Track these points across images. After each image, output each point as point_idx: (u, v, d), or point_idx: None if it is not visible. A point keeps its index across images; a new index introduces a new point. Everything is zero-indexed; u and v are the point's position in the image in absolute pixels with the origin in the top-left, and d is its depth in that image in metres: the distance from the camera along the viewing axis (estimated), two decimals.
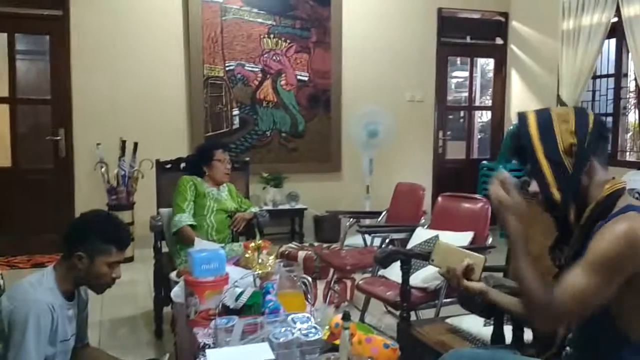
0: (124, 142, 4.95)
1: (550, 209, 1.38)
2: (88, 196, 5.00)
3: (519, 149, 1.41)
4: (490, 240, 2.83)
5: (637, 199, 1.56)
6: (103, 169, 4.92)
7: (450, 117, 6.93)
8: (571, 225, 1.36)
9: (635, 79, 4.84)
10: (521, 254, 1.34)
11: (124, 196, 4.89)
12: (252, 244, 2.07)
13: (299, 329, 1.64)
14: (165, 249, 3.29)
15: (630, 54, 4.83)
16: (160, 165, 3.57)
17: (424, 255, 2.73)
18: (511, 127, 5.83)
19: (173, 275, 2.55)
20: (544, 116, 1.39)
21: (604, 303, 1.23)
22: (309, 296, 2.09)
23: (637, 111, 5.17)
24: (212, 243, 2.57)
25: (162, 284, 3.09)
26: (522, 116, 1.42)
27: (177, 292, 2.20)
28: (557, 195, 1.34)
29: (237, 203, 3.35)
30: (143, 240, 4.40)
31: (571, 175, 1.33)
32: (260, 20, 5.53)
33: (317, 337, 1.62)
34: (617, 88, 5.21)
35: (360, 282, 3.02)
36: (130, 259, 4.81)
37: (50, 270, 1.80)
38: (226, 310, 1.89)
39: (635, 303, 1.24)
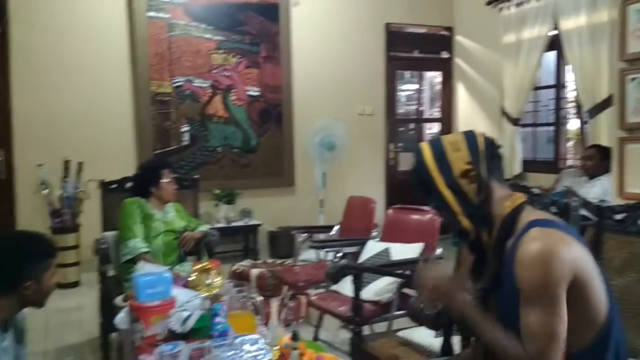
0: (67, 162, 4.78)
1: (463, 237, 1.38)
2: (30, 219, 4.79)
3: (421, 181, 1.40)
4: (439, 250, 2.86)
5: (540, 207, 1.57)
6: (46, 191, 4.73)
7: (401, 129, 7.04)
8: (485, 246, 1.37)
9: (575, 89, 5.05)
10: (482, 326, 1.30)
11: (69, 218, 4.71)
12: (199, 266, 2.02)
13: (248, 352, 1.60)
14: (111, 273, 3.18)
15: (568, 66, 5.04)
16: (104, 186, 3.46)
17: (375, 269, 2.75)
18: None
19: (119, 300, 2.47)
20: (437, 147, 1.39)
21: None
22: (259, 316, 2.05)
23: (576, 120, 5.39)
24: (157, 266, 2.49)
25: (108, 310, 2.97)
26: (417, 149, 1.41)
27: (122, 318, 2.12)
28: (466, 222, 1.35)
29: (185, 222, 3.27)
30: (89, 264, 4.25)
31: (475, 201, 1.34)
32: (208, 35, 5.49)
33: (266, 359, 1.59)
34: (558, 98, 5.42)
35: (313, 298, 3.00)
36: (75, 284, 4.63)
37: None
38: (173, 335, 1.84)
39: (570, 315, 1.25)
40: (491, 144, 1.38)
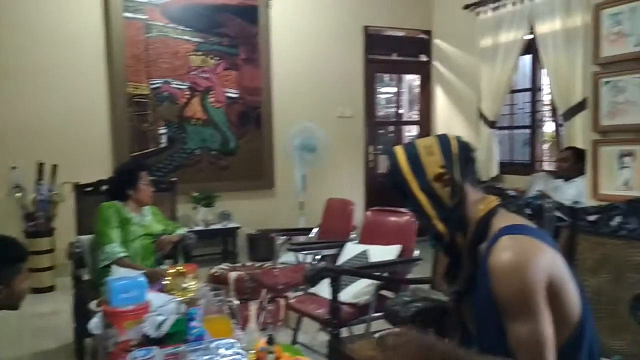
0: (41, 165, 4.69)
1: (437, 240, 1.38)
2: (3, 223, 4.65)
3: (396, 185, 1.40)
4: (417, 252, 2.87)
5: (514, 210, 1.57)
6: (19, 194, 4.64)
7: (381, 131, 7.07)
8: (459, 249, 1.37)
9: (550, 93, 5.13)
10: None
11: (43, 222, 4.62)
12: (173, 270, 1.99)
13: (224, 356, 1.58)
14: (86, 277, 3.12)
15: (543, 69, 5.12)
16: (79, 189, 3.40)
17: (352, 271, 2.75)
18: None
19: (93, 305, 2.42)
20: (411, 150, 1.38)
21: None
22: (235, 320, 2.03)
23: (552, 122, 5.47)
24: (131, 270, 2.46)
25: (82, 315, 2.92)
26: (391, 153, 1.41)
27: (95, 324, 2.08)
28: (440, 226, 1.35)
29: (163, 225, 3.23)
30: (63, 269, 4.16)
31: (449, 205, 1.34)
32: (186, 37, 5.44)
33: None
34: (534, 101, 5.50)
35: (292, 301, 2.99)
36: (50, 289, 4.55)
37: None
38: (148, 340, 1.81)
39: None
40: (464, 147, 1.38)
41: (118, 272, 2.12)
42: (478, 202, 1.35)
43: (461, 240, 1.35)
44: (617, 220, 1.69)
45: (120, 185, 3.15)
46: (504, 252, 1.22)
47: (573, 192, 4.03)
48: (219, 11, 5.56)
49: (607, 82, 3.39)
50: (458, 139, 1.40)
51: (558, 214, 1.85)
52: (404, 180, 1.37)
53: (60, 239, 4.57)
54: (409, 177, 1.36)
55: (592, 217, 1.77)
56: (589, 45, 3.58)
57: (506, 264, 1.20)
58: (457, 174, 1.34)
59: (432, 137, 1.41)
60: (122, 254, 2.92)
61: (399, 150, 1.40)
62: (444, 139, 1.39)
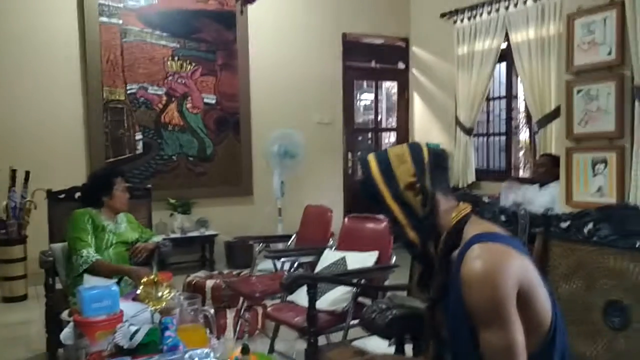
0: (14, 171, 4.59)
1: (409, 248, 1.38)
2: None
3: (369, 194, 1.40)
4: (394, 259, 2.87)
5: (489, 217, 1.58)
6: None
7: (359, 138, 7.09)
8: (432, 257, 1.38)
9: (525, 100, 5.21)
10: None
11: (15, 229, 4.52)
12: (146, 278, 1.95)
13: None
14: (58, 286, 3.06)
15: (519, 77, 5.20)
16: (52, 196, 3.33)
17: (329, 278, 2.74)
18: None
19: (65, 315, 2.36)
20: (383, 159, 1.39)
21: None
22: (210, 329, 2.00)
23: (527, 130, 5.55)
24: (103, 279, 2.41)
25: (54, 325, 2.86)
26: (364, 162, 1.41)
27: (66, 334, 2.03)
28: (412, 234, 1.35)
29: (138, 233, 3.18)
30: (36, 277, 4.06)
31: (420, 214, 1.34)
32: (163, 42, 5.40)
33: None
34: (509, 109, 5.58)
35: (269, 309, 2.96)
36: (23, 298, 4.45)
37: None
38: (120, 351, 1.77)
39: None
40: (436, 155, 1.38)
41: (90, 281, 2.07)
42: (450, 211, 1.35)
43: (432, 248, 1.36)
44: (589, 226, 1.72)
45: (94, 192, 3.09)
46: (475, 261, 1.22)
47: (547, 198, 4.09)
48: (196, 17, 5.53)
49: (580, 91, 3.46)
50: (429, 147, 1.40)
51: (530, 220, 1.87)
52: (376, 189, 1.37)
53: (32, 247, 4.46)
54: (382, 186, 1.36)
55: (564, 224, 1.79)
56: (562, 54, 3.66)
57: (477, 272, 1.20)
58: (428, 182, 1.34)
59: (403, 146, 1.41)
60: (96, 257, 2.87)
61: (372, 160, 1.40)
62: (415, 147, 1.39)
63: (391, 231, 1.40)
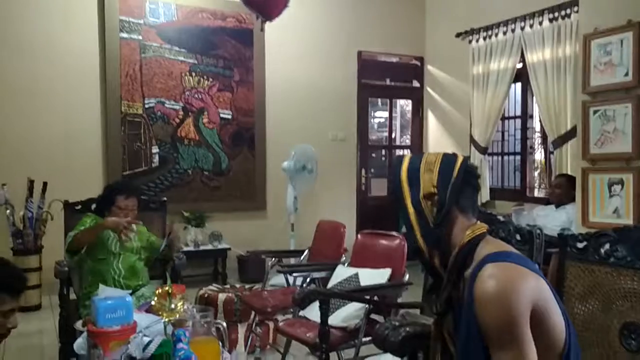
0: (32, 182, 4.66)
1: (417, 254, 1.38)
2: None
3: (395, 192, 1.41)
4: (407, 276, 2.86)
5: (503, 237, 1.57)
6: (8, 211, 4.59)
7: (373, 155, 7.10)
8: (439, 270, 1.37)
9: (540, 120, 5.19)
10: None
11: (31, 239, 4.57)
12: (160, 290, 1.97)
13: None
14: (72, 296, 3.09)
15: (534, 97, 5.19)
16: (69, 207, 3.38)
17: (341, 294, 2.73)
18: None
19: (79, 324, 2.38)
20: (414, 163, 1.39)
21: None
22: (223, 342, 2.00)
23: (542, 150, 5.52)
24: (118, 290, 2.42)
25: (68, 334, 2.88)
26: (398, 160, 1.43)
27: (80, 344, 2.04)
28: (421, 242, 1.36)
29: (145, 243, 3.19)
30: (51, 287, 4.09)
31: (431, 225, 1.34)
32: (181, 58, 5.48)
33: None
34: (524, 129, 5.56)
35: (281, 324, 2.96)
36: (37, 307, 4.48)
37: None
38: None
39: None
40: (467, 171, 1.36)
41: (105, 291, 2.09)
42: (466, 228, 1.34)
43: (437, 260, 1.35)
44: (606, 247, 1.70)
45: (98, 204, 3.23)
46: (489, 281, 1.21)
47: (563, 218, 4.06)
48: (215, 33, 5.62)
49: (596, 111, 3.45)
50: (465, 161, 1.39)
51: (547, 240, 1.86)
52: (400, 190, 1.38)
53: (48, 257, 4.50)
54: (405, 188, 1.37)
55: (581, 245, 1.77)
56: (578, 75, 3.65)
57: (491, 292, 1.19)
58: (447, 196, 1.34)
59: (439, 154, 1.40)
60: (76, 232, 2.97)
61: (405, 160, 1.41)
62: (448, 159, 1.38)
63: (404, 233, 1.41)
